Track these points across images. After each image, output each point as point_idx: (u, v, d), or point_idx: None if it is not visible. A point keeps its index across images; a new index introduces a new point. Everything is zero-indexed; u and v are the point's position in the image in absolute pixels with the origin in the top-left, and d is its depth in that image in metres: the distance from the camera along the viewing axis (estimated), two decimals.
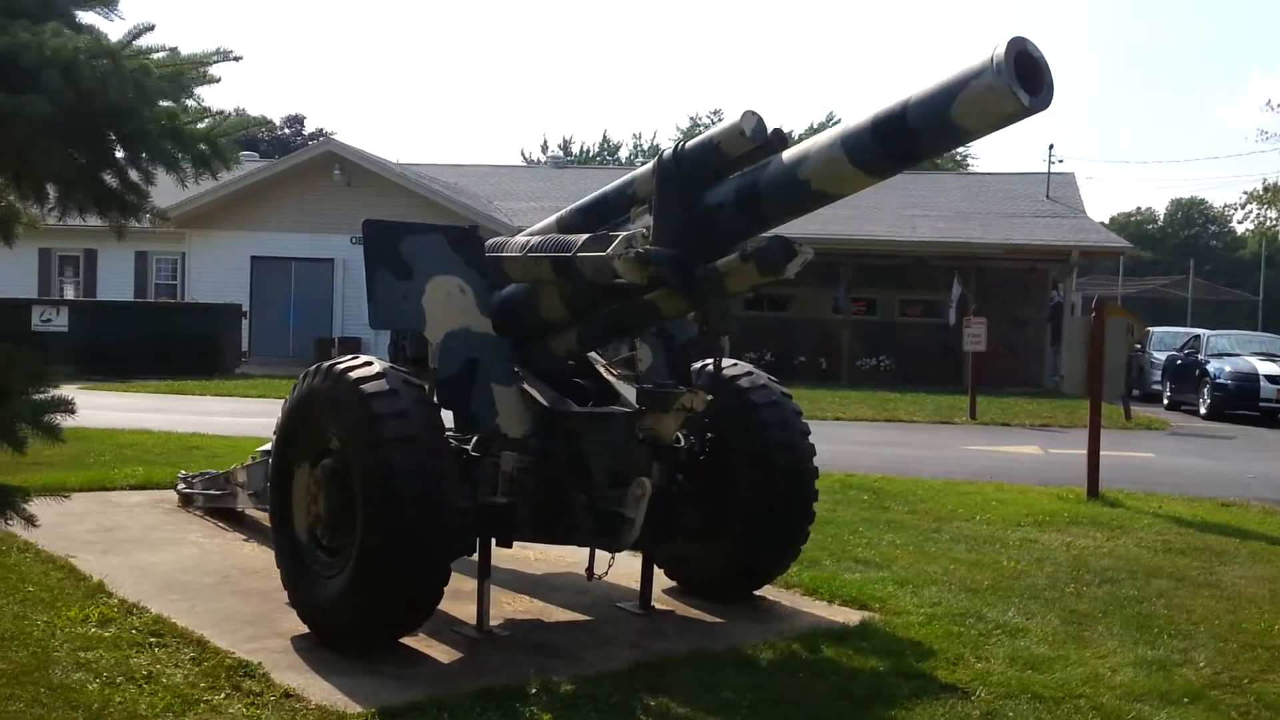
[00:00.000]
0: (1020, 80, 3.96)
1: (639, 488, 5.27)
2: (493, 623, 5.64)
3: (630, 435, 5.58)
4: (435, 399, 5.35)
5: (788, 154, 4.79)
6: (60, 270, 34.29)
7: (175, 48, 4.09)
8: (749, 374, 6.26)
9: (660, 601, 6.25)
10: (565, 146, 63.38)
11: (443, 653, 5.19)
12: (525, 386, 5.60)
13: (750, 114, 4.97)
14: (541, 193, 33.00)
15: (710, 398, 6.13)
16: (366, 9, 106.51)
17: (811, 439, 6.23)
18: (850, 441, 14.57)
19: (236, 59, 4.17)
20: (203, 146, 4.23)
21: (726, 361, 6.36)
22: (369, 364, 5.12)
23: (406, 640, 5.25)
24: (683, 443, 6.00)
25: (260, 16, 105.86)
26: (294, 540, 5.40)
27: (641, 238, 5.11)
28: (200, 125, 4.29)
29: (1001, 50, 3.95)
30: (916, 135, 4.28)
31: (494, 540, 5.46)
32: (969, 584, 6.78)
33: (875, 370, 28.19)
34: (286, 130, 53.92)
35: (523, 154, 48.62)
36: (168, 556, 6.85)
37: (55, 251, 34.48)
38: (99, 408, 16.00)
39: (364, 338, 29.21)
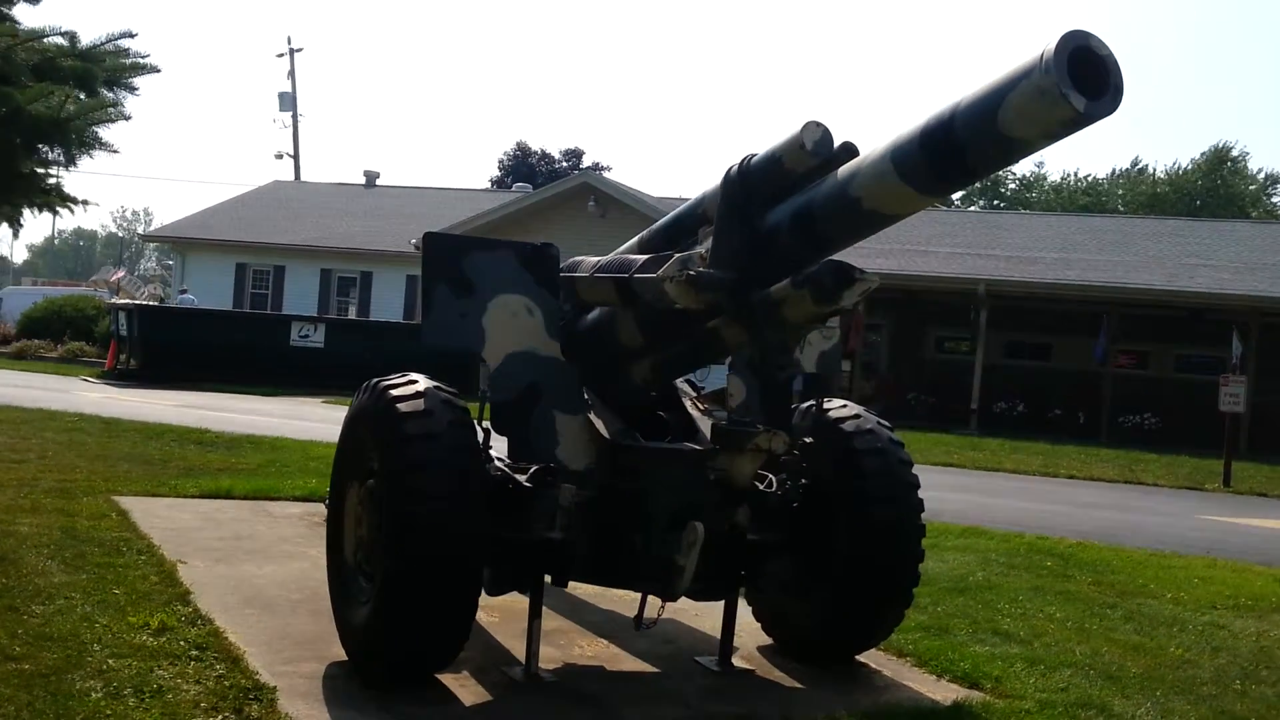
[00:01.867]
0: (1076, 81, 3.33)
1: (691, 533, 4.82)
2: (550, 666, 5.31)
3: (697, 475, 5.12)
4: (490, 424, 5.08)
5: (843, 169, 4.27)
6: (339, 290, 36.53)
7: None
8: (855, 416, 5.68)
9: (749, 660, 5.74)
10: None
11: (473, 694, 4.89)
12: (592, 416, 5.24)
13: (813, 125, 4.46)
14: None
15: (807, 440, 5.64)
16: (645, 50, 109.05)
17: (919, 491, 5.58)
18: (1070, 502, 13.40)
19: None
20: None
21: (836, 402, 5.81)
22: (412, 382, 4.90)
23: (444, 677, 4.98)
24: (774, 487, 5.51)
25: (553, 54, 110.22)
26: (342, 562, 5.24)
27: (700, 259, 4.69)
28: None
29: (1053, 47, 3.33)
30: (964, 147, 3.69)
31: (549, 579, 5.14)
32: (1115, 670, 5.91)
33: (1138, 428, 26.09)
34: (565, 164, 55.64)
35: None
36: (274, 569, 6.86)
37: (335, 273, 36.71)
38: (322, 420, 16.73)
39: None
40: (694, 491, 5.06)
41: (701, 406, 5.67)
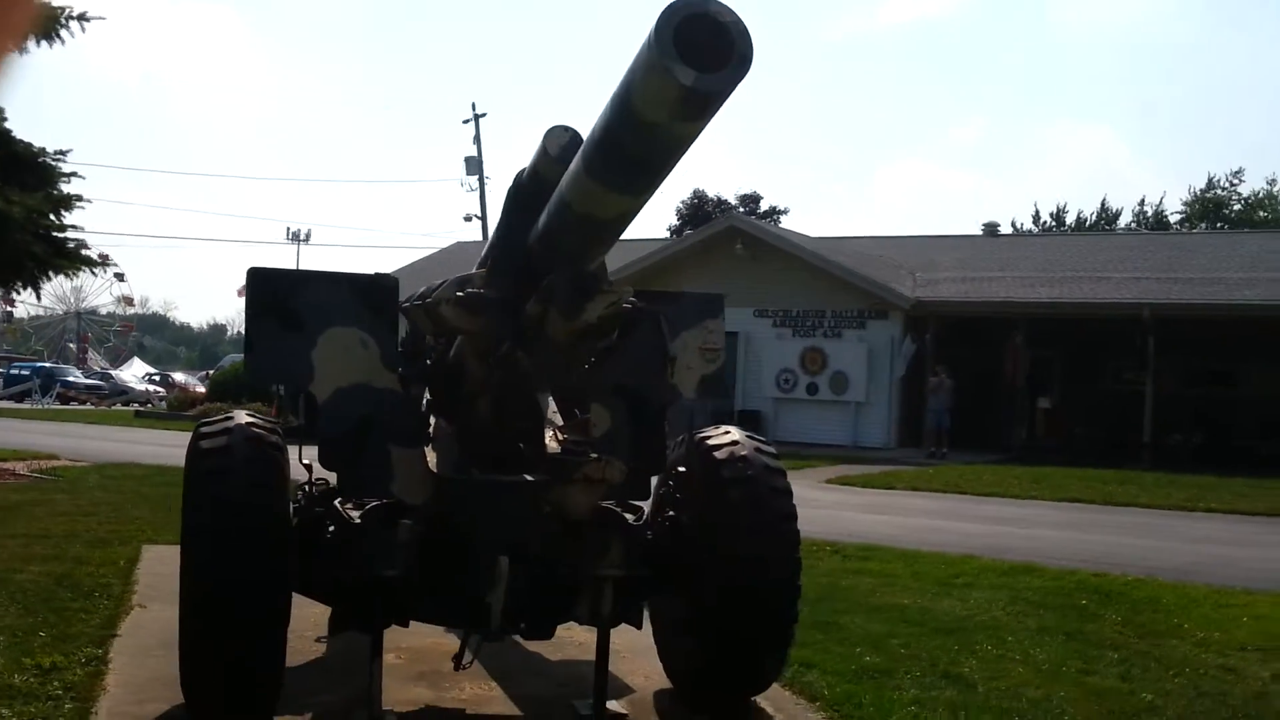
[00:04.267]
0: (691, 51, 3.02)
1: (497, 568, 4.61)
2: (411, 709, 5.17)
3: (525, 508, 4.90)
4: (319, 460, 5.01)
5: (565, 174, 4.01)
6: None
7: None
8: (732, 443, 5.34)
9: (637, 705, 5.44)
10: (1059, 214, 60.11)
11: None
12: (428, 450, 5.10)
13: (559, 129, 4.24)
14: (965, 263, 31.43)
15: (680, 469, 5.37)
16: (818, 92, 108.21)
17: (795, 521, 5.20)
18: (1184, 538, 12.33)
19: None
20: None
21: (717, 429, 5.49)
22: (228, 418, 4.88)
23: (286, 717, 4.91)
24: (642, 519, 5.24)
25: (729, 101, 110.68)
26: None
27: (482, 279, 4.51)
28: None
29: (660, 16, 3.03)
30: (619, 138, 3.41)
31: (390, 618, 5.00)
32: (1052, 717, 5.33)
33: None
34: (741, 209, 55.53)
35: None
36: None
37: None
38: None
39: (763, 411, 29.19)
40: (520, 525, 4.84)
41: (560, 438, 5.44)
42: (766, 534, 5.07)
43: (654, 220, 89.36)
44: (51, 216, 9.14)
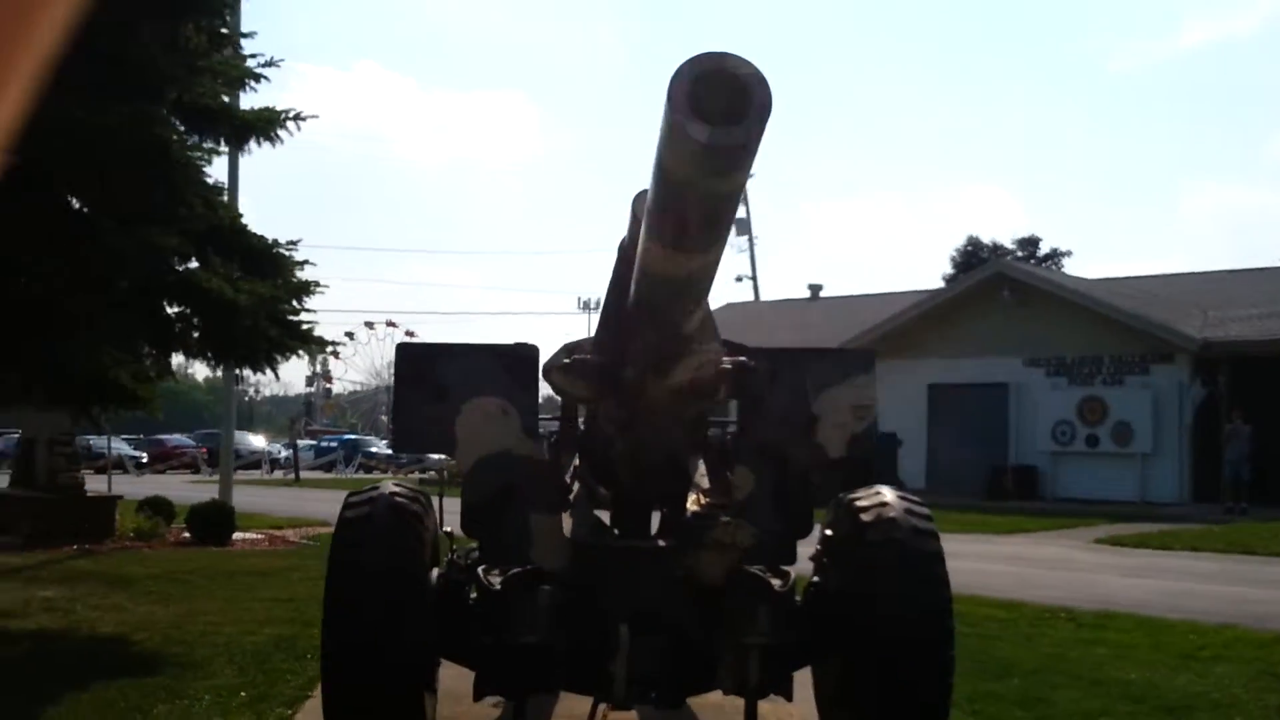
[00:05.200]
0: (705, 109, 2.93)
1: (617, 637, 4.54)
2: None
3: (657, 574, 4.82)
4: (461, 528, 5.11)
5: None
6: None
7: None
8: (880, 504, 5.06)
9: None
10: None
11: None
12: (566, 516, 5.11)
13: (644, 194, 4.15)
14: (1265, 299, 28.96)
15: (827, 533, 5.16)
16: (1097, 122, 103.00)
17: (946, 588, 4.85)
18: None
19: None
20: None
21: (868, 490, 5.23)
22: (374, 487, 5.05)
23: None
24: (786, 585, 5.06)
25: (1000, 139, 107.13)
26: None
27: (590, 345, 4.49)
28: None
29: (674, 74, 2.96)
30: (663, 199, 3.33)
31: (530, 685, 5.01)
32: None
33: None
34: (1020, 254, 53.52)
35: None
36: None
37: None
38: None
39: (1039, 466, 27.76)
40: (649, 591, 4.76)
41: (703, 502, 5.33)
42: (913, 600, 4.77)
43: (928, 270, 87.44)
44: (293, 303, 9.82)
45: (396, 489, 5.06)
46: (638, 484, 5.31)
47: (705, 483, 5.52)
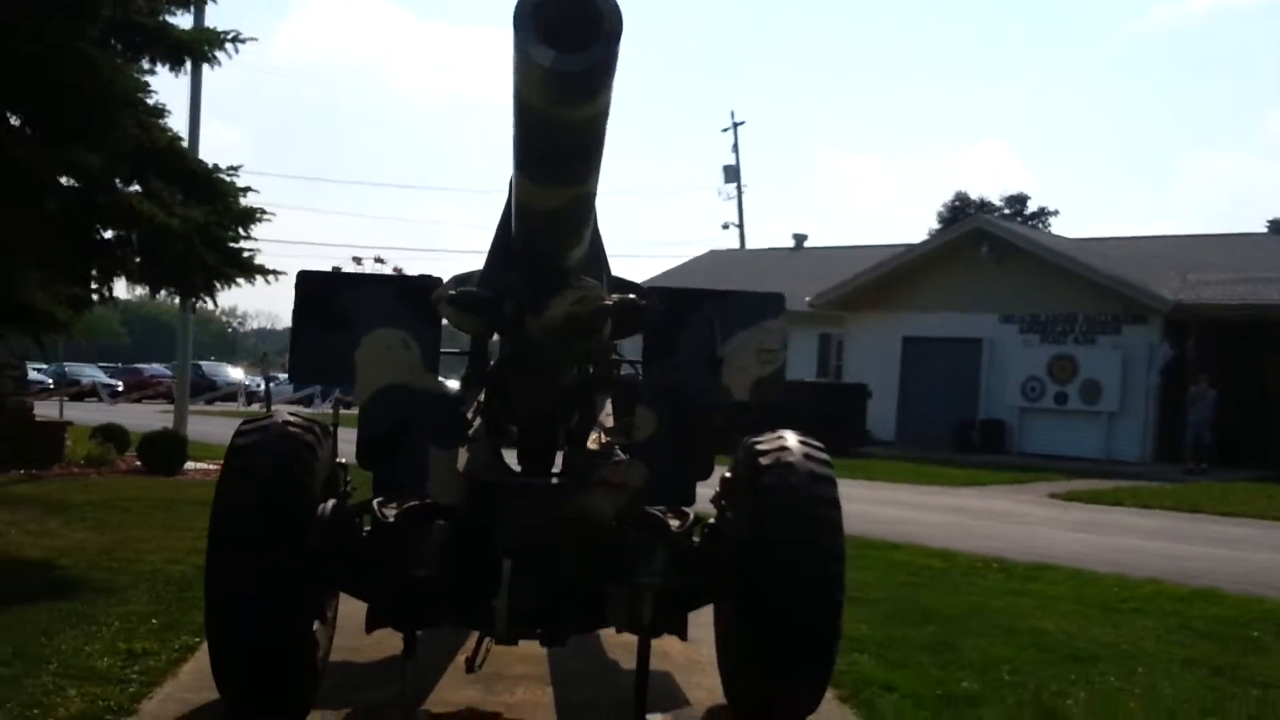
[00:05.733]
0: (550, 32, 2.84)
1: (502, 570, 4.52)
2: (447, 709, 5.15)
3: (549, 512, 4.78)
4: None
5: None
6: None
7: None
8: (779, 449, 5.02)
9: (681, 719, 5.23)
10: None
11: None
12: (462, 450, 5.06)
13: None
14: (1243, 264, 28.87)
15: (726, 475, 5.13)
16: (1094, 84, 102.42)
17: (839, 534, 4.82)
18: None
19: None
20: None
21: (771, 433, 5.20)
22: (272, 415, 4.99)
23: (326, 710, 4.99)
24: (683, 526, 5.03)
25: (993, 97, 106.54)
26: None
27: (478, 277, 4.42)
28: None
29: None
30: (522, 128, 3.25)
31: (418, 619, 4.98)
32: None
33: None
34: (1007, 211, 53.40)
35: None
36: None
37: None
38: None
39: (1007, 420, 27.85)
40: (538, 528, 4.73)
41: (603, 440, 5.29)
42: (805, 545, 4.74)
43: (913, 227, 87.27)
44: (236, 229, 9.69)
45: (290, 418, 5.00)
46: (534, 420, 5.26)
47: (610, 422, 5.48)
